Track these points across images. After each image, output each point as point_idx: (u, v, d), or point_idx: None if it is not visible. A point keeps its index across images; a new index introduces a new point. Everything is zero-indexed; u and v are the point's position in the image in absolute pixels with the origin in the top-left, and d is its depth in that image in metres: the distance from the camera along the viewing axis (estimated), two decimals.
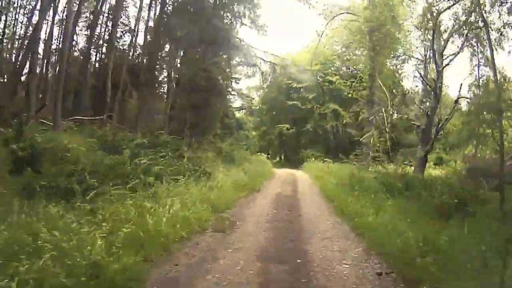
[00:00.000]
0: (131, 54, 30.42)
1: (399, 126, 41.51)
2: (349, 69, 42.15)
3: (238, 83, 53.97)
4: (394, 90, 36.58)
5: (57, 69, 23.39)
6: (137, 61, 29.16)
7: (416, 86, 41.03)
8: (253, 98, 52.37)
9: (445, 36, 19.30)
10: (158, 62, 25.81)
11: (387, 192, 11.46)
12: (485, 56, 23.39)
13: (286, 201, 13.01)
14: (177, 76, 26.70)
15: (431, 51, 20.00)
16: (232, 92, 52.66)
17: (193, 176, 13.21)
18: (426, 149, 18.42)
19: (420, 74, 20.32)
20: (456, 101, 19.62)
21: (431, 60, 22.89)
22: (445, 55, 19.78)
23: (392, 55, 26.73)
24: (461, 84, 20.22)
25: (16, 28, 25.90)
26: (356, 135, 38.41)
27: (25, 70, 22.10)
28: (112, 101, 23.44)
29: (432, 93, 19.06)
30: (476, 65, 23.43)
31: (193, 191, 10.82)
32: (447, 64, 19.47)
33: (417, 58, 21.77)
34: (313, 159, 37.11)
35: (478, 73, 23.80)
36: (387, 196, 10.94)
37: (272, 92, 45.61)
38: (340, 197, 11.90)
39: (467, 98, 20.04)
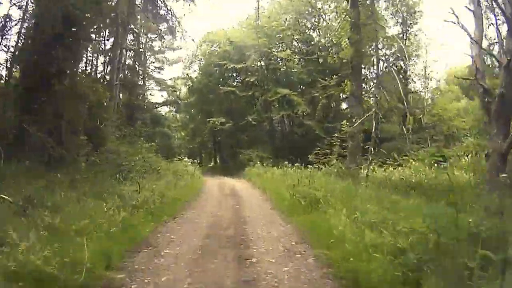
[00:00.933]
0: None
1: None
2: (305, 44, 31.47)
3: (160, 72, 41.47)
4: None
5: None
6: None
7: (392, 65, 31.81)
8: (179, 89, 39.98)
9: None
10: None
11: None
12: None
13: None
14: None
15: None
16: (150, 81, 39.93)
17: None
18: None
19: None
20: None
21: None
22: None
23: None
24: None
25: None
26: (316, 128, 27.85)
27: None
28: None
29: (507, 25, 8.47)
30: None
31: None
32: None
33: None
34: (258, 162, 25.69)
35: None
36: None
37: (202, 77, 33.43)
38: None
39: None
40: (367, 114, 14.89)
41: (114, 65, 22.49)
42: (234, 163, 32.45)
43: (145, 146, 18.99)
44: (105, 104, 17.66)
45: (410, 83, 32.84)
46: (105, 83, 23.79)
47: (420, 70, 31.82)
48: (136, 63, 31.87)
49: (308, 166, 23.27)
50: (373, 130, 14.68)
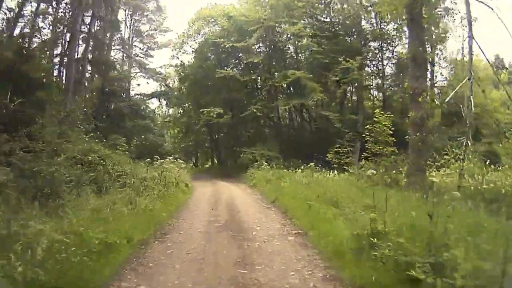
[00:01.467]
0: None
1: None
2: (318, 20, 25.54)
3: (147, 58, 35.67)
4: None
5: None
6: None
7: None
8: (170, 78, 34.29)
9: None
10: None
11: None
12: None
13: None
14: None
15: None
16: (137, 70, 33.94)
17: None
18: None
19: None
20: None
21: None
22: None
23: None
24: None
25: None
26: (335, 120, 22.03)
27: None
28: None
29: None
30: None
31: None
32: None
33: None
34: (264, 163, 20.03)
35: None
36: None
37: (195, 61, 27.44)
38: None
39: None
40: (462, 83, 9.08)
41: (75, 34, 16.63)
42: (234, 163, 26.75)
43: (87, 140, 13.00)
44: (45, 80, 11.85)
45: (437, 69, 27.24)
46: (64, 58, 18.04)
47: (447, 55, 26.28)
48: (116, 42, 26.14)
49: (330, 168, 17.85)
50: (471, 108, 8.88)
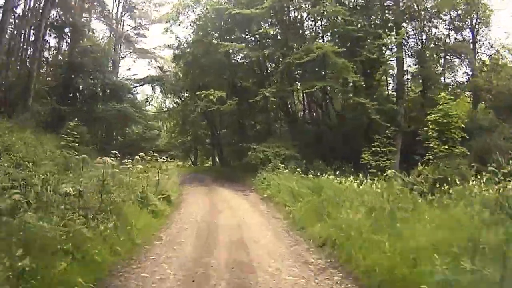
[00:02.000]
0: None
1: None
2: None
3: (138, 36, 30.29)
4: None
5: None
6: None
7: None
8: (162, 58, 29.10)
9: None
10: None
11: None
12: None
13: None
14: None
15: None
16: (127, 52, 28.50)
17: None
18: None
19: None
20: None
21: None
22: None
23: None
24: None
25: None
26: (372, 110, 16.39)
27: None
28: None
29: None
30: None
31: None
32: None
33: None
34: (280, 164, 14.70)
35: None
36: None
37: (194, 36, 21.88)
38: None
39: None
40: None
41: None
42: (239, 163, 21.37)
43: None
44: None
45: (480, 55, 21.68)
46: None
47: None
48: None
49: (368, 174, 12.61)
50: None
